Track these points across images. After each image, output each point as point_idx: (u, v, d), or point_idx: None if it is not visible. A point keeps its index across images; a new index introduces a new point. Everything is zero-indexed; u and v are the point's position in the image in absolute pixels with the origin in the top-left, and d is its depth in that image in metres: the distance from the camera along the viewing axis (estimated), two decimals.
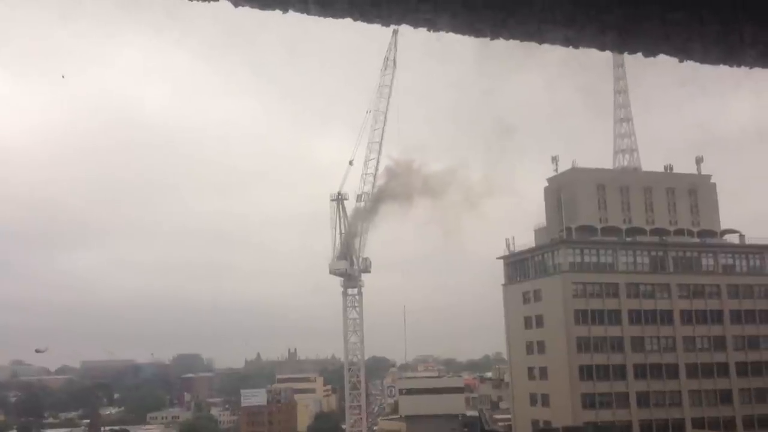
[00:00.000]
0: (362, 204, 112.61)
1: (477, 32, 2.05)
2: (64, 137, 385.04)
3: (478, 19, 2.00)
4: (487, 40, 2.13)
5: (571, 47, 2.14)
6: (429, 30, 2.07)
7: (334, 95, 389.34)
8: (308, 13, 2.03)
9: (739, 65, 2.18)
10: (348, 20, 2.07)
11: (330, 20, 2.09)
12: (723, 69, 2.24)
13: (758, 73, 2.27)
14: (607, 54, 2.26)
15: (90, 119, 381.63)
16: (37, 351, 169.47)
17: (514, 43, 2.16)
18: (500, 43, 2.16)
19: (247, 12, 2.07)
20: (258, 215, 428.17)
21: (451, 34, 2.12)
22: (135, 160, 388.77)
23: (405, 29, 2.17)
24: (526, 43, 2.14)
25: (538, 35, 2.05)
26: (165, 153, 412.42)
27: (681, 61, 2.17)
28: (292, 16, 2.05)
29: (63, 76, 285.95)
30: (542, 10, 1.98)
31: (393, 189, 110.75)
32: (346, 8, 1.99)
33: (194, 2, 2.00)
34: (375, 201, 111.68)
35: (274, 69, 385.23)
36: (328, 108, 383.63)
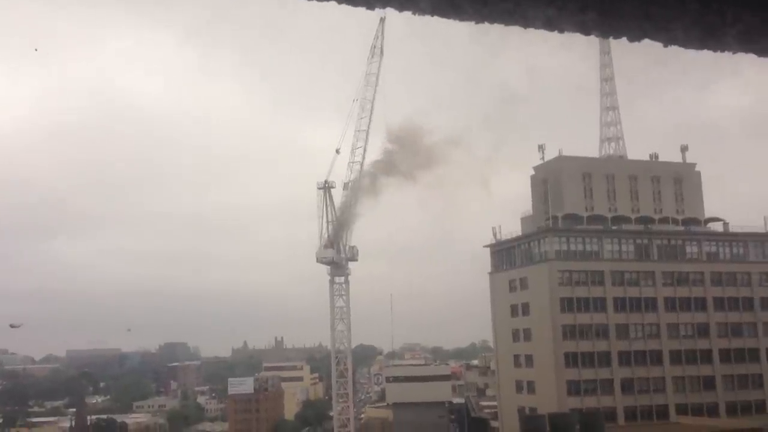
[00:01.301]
0: (351, 185, 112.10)
1: (459, 13, 2.04)
2: (50, 125, 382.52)
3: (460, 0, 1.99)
4: (471, 24, 2.12)
5: (556, 32, 2.13)
6: (414, 13, 2.06)
7: (323, 84, 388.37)
8: None
9: (722, 49, 2.19)
10: (333, 3, 2.05)
11: (315, 3, 2.08)
12: (707, 55, 2.24)
13: (741, 58, 2.28)
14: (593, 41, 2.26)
15: (76, 107, 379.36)
16: (11, 326, 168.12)
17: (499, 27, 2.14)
18: (484, 27, 2.15)
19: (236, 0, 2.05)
20: (245, 204, 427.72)
21: (436, 18, 2.11)
22: (122, 149, 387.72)
23: (390, 12, 2.15)
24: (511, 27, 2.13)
25: (520, 14, 2.04)
26: (152, 141, 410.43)
27: (665, 45, 2.17)
28: (282, 2, 2.03)
29: (36, 49, 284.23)
30: None
31: (386, 163, 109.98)
32: None
33: None
34: (370, 174, 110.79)
35: (262, 58, 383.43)
36: (317, 97, 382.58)
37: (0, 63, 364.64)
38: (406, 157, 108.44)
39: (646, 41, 2.19)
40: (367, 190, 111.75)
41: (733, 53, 2.22)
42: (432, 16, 2.06)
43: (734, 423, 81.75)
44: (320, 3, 2.06)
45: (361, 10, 2.12)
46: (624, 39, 2.18)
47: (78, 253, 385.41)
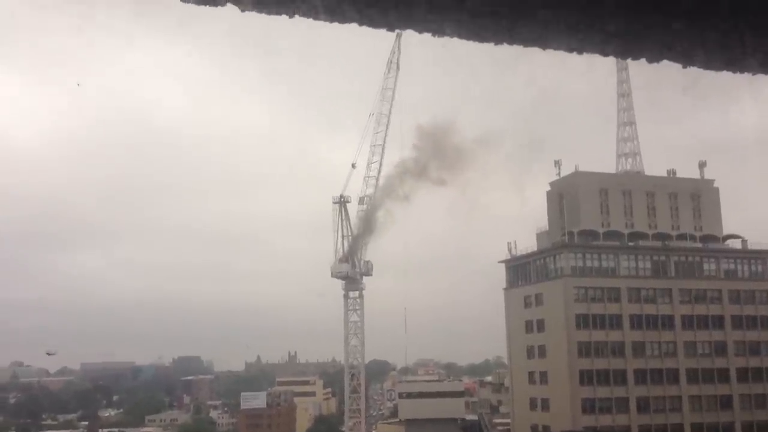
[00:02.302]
0: (367, 200, 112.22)
1: (481, 38, 2.07)
2: (72, 139, 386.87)
3: (483, 26, 2.02)
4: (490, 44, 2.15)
5: (574, 53, 2.15)
6: (434, 35, 2.09)
7: (342, 98, 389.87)
8: (316, 18, 2.04)
9: (742, 72, 2.20)
10: (354, 25, 2.08)
11: (336, 25, 2.11)
12: (726, 75, 2.26)
13: (762, 79, 2.28)
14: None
15: (99, 122, 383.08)
16: (48, 354, 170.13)
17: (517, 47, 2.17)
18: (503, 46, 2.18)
19: (257, 18, 2.10)
20: (261, 217, 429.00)
21: (455, 40, 2.14)
22: (141, 162, 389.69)
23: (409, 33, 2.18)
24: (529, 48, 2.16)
25: (542, 42, 2.07)
26: (170, 155, 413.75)
27: (684, 67, 2.18)
28: (302, 21, 2.07)
29: (78, 84, 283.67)
30: (546, 18, 1.99)
31: (406, 169, 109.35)
32: (354, 14, 2.00)
33: (206, 9, 2.03)
34: (394, 177, 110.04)
35: (282, 72, 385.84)
36: (335, 111, 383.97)
37: (22, 76, 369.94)
38: (425, 163, 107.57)
39: (665, 62, 2.21)
40: (386, 198, 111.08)
41: (753, 74, 2.23)
42: (452, 38, 2.09)
43: None
44: (342, 24, 2.09)
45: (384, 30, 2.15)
46: (643, 60, 2.20)
47: (93, 266, 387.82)
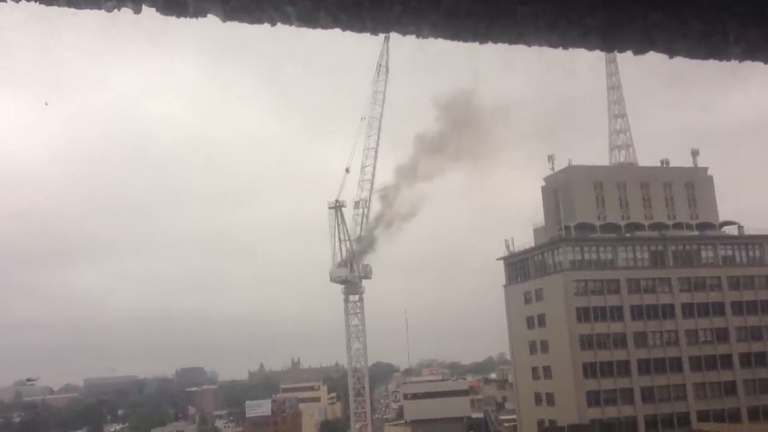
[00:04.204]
0: (361, 206, 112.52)
1: (461, 39, 2.07)
2: (66, 154, 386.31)
3: (461, 27, 2.01)
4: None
5: (559, 49, 2.15)
6: (417, 37, 2.08)
7: (334, 102, 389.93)
8: (295, 26, 2.03)
9: (727, 60, 2.20)
10: (336, 30, 2.07)
11: (321, 30, 2.10)
12: (714, 63, 2.25)
13: (747, 66, 2.28)
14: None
15: (92, 135, 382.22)
16: (28, 380, 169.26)
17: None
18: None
19: (243, 26, 2.08)
20: (257, 225, 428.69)
21: (440, 40, 2.13)
22: (135, 174, 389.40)
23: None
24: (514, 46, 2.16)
25: (524, 40, 2.06)
26: (166, 166, 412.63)
27: (670, 57, 2.18)
28: (288, 28, 2.06)
29: (46, 104, 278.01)
30: (524, 17, 1.99)
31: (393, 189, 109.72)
32: (328, 20, 1.99)
33: (191, 19, 2.02)
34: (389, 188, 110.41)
35: (272, 78, 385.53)
36: (328, 115, 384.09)
37: (18, 93, 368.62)
38: (445, 137, 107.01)
39: (651, 54, 2.21)
40: (392, 189, 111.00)
41: (739, 62, 2.23)
42: (435, 39, 2.09)
43: (755, 428, 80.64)
44: (325, 30, 2.09)
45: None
46: (629, 52, 2.20)
47: (94, 281, 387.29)
